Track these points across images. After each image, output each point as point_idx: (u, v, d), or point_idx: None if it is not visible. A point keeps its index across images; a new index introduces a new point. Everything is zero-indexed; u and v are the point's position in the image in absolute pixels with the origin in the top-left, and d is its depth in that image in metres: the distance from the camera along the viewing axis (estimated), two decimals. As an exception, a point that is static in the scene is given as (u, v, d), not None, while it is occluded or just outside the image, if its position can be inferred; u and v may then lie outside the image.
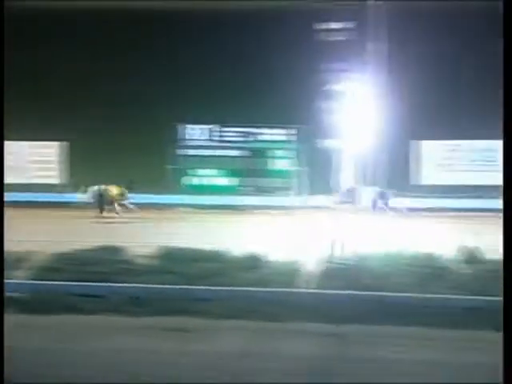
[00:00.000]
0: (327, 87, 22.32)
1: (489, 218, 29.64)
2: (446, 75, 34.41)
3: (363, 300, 20.39)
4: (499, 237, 25.16)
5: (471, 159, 31.34)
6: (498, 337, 18.99)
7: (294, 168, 31.15)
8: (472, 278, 21.62)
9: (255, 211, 31.71)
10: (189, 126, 31.78)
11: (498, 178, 30.26)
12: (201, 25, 38.92)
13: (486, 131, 30.78)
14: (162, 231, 27.57)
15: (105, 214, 33.66)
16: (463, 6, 36.37)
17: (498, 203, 29.31)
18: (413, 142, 31.12)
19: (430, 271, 22.13)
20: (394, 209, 30.18)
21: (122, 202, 33.57)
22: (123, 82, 36.69)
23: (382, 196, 29.67)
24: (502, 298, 19.22)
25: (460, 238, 24.97)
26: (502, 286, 20.09)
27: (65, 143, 38.72)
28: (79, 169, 36.88)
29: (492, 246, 24.75)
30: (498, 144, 30.76)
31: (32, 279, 21.57)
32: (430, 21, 37.64)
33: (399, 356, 17.69)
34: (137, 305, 21.05)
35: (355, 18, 24.81)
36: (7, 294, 18.11)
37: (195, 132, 31.89)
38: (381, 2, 31.65)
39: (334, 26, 21.79)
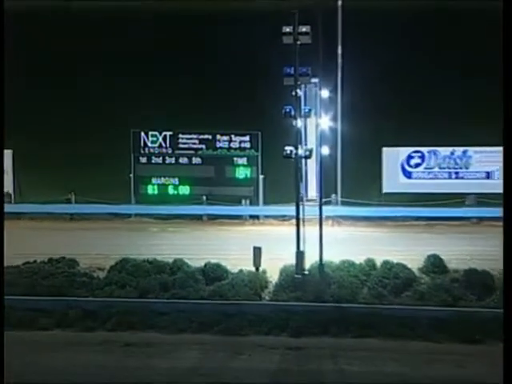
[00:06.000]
0: (289, 92, 21.68)
1: (452, 227, 29.39)
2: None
3: (324, 311, 19.99)
4: (464, 246, 25.74)
5: (439, 167, 30.96)
6: (467, 349, 19.25)
7: (255, 176, 30.50)
8: (437, 288, 21.31)
9: (216, 221, 31.16)
10: (147, 133, 30.76)
11: (463, 187, 30.49)
12: (156, 28, 38.34)
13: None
14: (118, 242, 26.91)
15: None
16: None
17: (462, 211, 29.64)
18: (379, 150, 30.72)
19: (395, 281, 21.81)
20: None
21: None
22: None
23: None
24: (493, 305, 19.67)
25: (425, 247, 24.62)
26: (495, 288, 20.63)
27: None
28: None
29: (455, 255, 24.69)
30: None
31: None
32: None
33: (361, 369, 17.32)
34: (93, 319, 20.46)
35: (318, 20, 24.13)
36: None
37: (154, 139, 30.98)
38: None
39: (295, 28, 21.07)
